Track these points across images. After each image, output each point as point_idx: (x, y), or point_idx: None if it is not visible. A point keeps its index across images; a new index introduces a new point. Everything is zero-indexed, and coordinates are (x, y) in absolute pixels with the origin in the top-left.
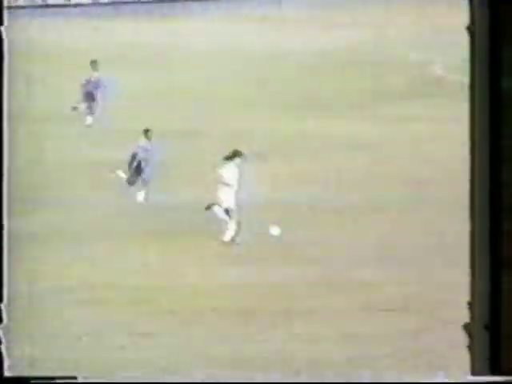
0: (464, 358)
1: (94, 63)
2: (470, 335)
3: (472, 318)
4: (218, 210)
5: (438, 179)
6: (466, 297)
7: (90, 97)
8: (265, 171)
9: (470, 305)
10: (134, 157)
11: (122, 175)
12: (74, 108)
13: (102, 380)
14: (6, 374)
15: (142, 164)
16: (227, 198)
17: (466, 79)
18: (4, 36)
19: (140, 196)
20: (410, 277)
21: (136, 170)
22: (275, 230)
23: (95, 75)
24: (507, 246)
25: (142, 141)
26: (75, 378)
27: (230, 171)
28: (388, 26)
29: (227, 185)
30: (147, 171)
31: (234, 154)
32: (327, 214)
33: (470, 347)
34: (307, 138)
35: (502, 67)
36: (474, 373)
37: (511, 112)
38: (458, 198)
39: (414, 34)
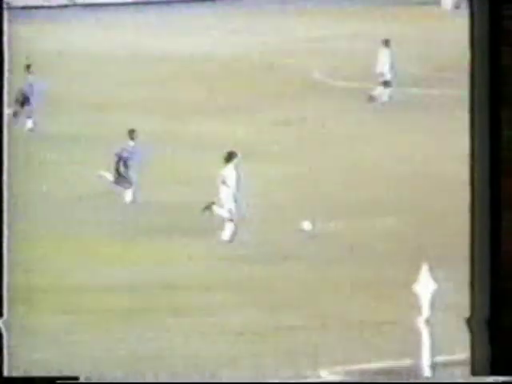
0: (464, 357)
1: (27, 67)
2: (471, 335)
3: (472, 318)
4: (216, 209)
5: (331, 179)
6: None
7: (25, 101)
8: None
9: (471, 305)
10: (119, 157)
11: (107, 176)
12: (14, 113)
13: (103, 380)
14: (6, 374)
15: (128, 164)
16: (228, 198)
17: (342, 83)
18: (4, 37)
19: (128, 196)
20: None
21: (122, 170)
22: (307, 225)
23: (30, 79)
24: (507, 247)
25: (127, 141)
26: (77, 378)
27: (229, 172)
28: (272, 33)
29: (227, 186)
30: (133, 171)
31: (231, 156)
32: None
33: (471, 347)
34: (194, 138)
35: (501, 73)
36: (474, 373)
37: (510, 114)
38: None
39: (296, 41)
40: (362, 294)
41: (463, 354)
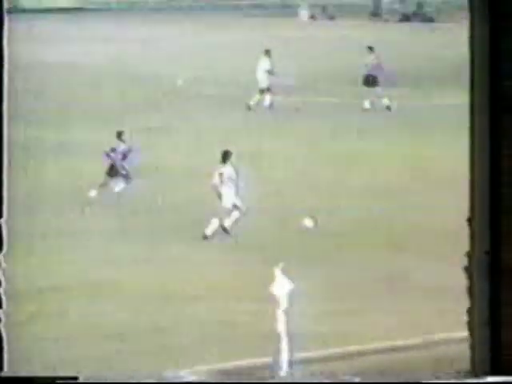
0: (464, 358)
1: None
2: (471, 335)
3: (472, 318)
4: (209, 231)
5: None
6: None
7: None
8: None
9: (470, 305)
10: (114, 160)
11: (94, 192)
12: None
13: (103, 380)
14: (6, 374)
15: (119, 164)
16: (231, 195)
17: (204, 89)
18: (5, 42)
19: (118, 187)
20: None
21: (116, 171)
22: (309, 222)
23: None
24: (507, 247)
25: (118, 143)
26: (76, 378)
27: (228, 170)
28: (142, 42)
29: (228, 184)
30: (126, 170)
31: (226, 154)
32: None
33: (471, 347)
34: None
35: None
36: (474, 373)
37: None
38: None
39: (160, 50)
40: (222, 294)
41: (320, 350)
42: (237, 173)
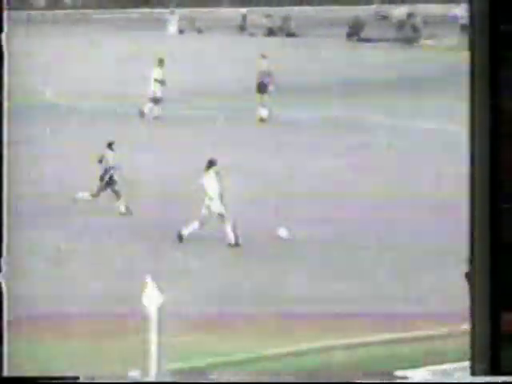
0: (464, 357)
1: None
2: (471, 335)
3: (473, 319)
4: (186, 231)
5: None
6: None
7: None
8: None
9: (471, 306)
10: (105, 170)
11: (82, 195)
12: None
13: (102, 380)
14: (6, 374)
15: (113, 176)
16: (215, 204)
17: (74, 102)
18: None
19: (122, 208)
20: None
21: (107, 182)
22: (283, 232)
23: None
24: (507, 247)
25: (108, 153)
26: (77, 378)
27: (211, 179)
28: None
29: (212, 193)
30: (118, 182)
31: (211, 163)
32: None
33: (471, 347)
34: None
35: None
36: (474, 373)
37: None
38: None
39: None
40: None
41: (191, 361)
42: (219, 180)
